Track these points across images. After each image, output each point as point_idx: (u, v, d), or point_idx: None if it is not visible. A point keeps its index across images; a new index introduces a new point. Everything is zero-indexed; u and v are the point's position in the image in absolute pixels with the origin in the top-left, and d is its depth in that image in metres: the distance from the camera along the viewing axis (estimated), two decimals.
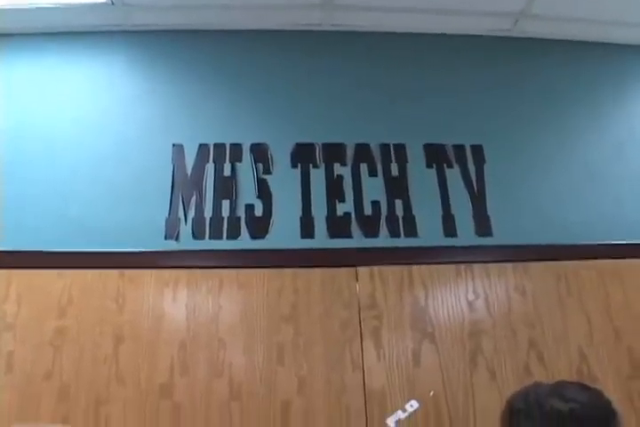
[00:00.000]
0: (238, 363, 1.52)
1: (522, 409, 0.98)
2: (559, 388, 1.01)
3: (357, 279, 1.59)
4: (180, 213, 1.67)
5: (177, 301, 1.57)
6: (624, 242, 1.72)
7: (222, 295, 1.57)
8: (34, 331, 1.53)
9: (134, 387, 1.50)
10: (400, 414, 1.47)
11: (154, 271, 1.61)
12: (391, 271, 1.60)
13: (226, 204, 1.69)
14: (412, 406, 1.47)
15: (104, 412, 1.48)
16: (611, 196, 1.80)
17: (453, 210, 1.72)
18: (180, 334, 1.54)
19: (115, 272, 1.60)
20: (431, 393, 1.49)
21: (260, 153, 1.76)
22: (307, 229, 1.65)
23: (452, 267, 1.62)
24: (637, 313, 1.64)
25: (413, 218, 1.70)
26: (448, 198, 1.73)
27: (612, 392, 1.52)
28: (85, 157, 1.75)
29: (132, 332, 1.55)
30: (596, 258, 1.69)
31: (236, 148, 1.77)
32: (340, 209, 1.70)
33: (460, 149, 1.81)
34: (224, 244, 1.64)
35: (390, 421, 1.46)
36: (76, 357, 1.52)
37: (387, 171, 1.76)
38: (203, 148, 1.77)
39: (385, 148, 1.79)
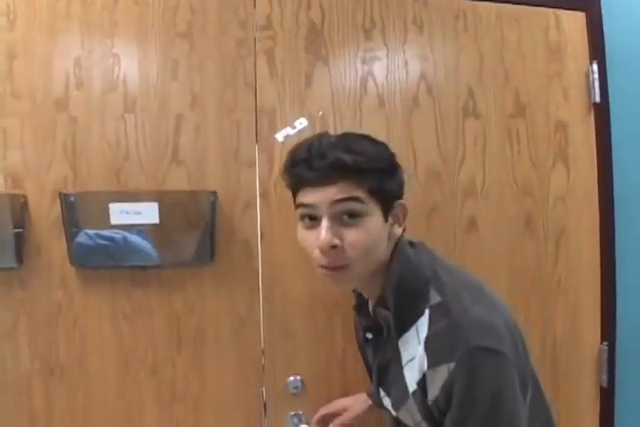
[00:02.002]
0: (133, 78, 1.46)
1: (304, 159, 0.92)
2: (345, 140, 0.95)
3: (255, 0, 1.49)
4: None
5: (71, 16, 1.46)
6: None
7: (117, 12, 1.46)
8: None
9: (30, 102, 1.45)
10: (289, 131, 1.46)
11: None
12: None
13: None
14: (302, 123, 1.46)
15: (1, 126, 1.43)
16: None
17: None
18: (75, 50, 1.46)
19: None
20: (320, 113, 1.48)
21: None
22: None
23: None
24: (529, 58, 1.61)
25: None
26: None
27: (494, 128, 1.54)
28: None
29: (26, 48, 1.44)
30: (496, 1, 1.61)
31: None
32: None
33: None
34: None
35: (279, 136, 1.45)
36: None
37: None
38: None
39: None
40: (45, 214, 1.44)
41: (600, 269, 1.60)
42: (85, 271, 1.45)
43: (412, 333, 0.95)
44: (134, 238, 1.41)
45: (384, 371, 1.04)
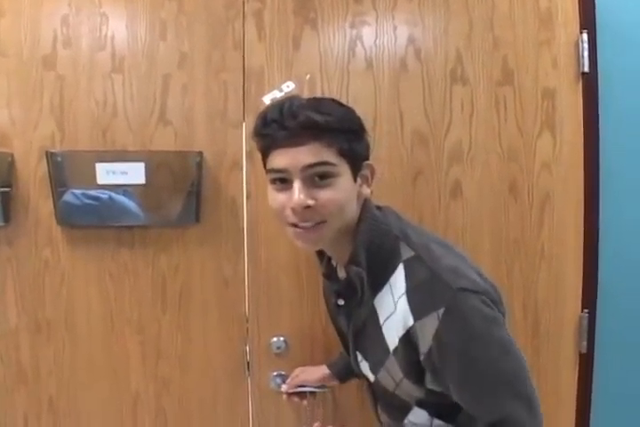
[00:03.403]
0: (120, 37, 1.44)
1: (276, 119, 0.91)
2: (315, 102, 0.95)
3: None
4: None
5: None
6: None
7: None
8: None
9: (17, 59, 1.43)
10: (276, 94, 1.44)
11: None
12: None
13: None
14: (289, 86, 1.45)
15: None
16: None
17: None
18: (63, 9, 1.43)
19: None
20: (307, 76, 1.46)
21: None
22: None
23: None
24: (519, 26, 1.57)
25: None
26: None
27: (482, 94, 1.52)
28: None
29: (13, 6, 1.43)
30: None
31: None
32: None
33: None
34: None
35: (266, 99, 1.43)
36: None
37: None
38: None
39: None
40: (32, 173, 1.43)
41: (583, 237, 1.59)
42: (72, 230, 1.44)
43: (386, 290, 0.95)
44: (120, 198, 1.41)
45: (360, 334, 1.03)
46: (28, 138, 1.42)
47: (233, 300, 1.48)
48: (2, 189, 1.39)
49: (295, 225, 0.92)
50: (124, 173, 1.38)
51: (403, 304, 0.90)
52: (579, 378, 1.59)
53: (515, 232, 1.55)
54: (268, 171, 0.94)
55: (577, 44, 1.56)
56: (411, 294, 0.89)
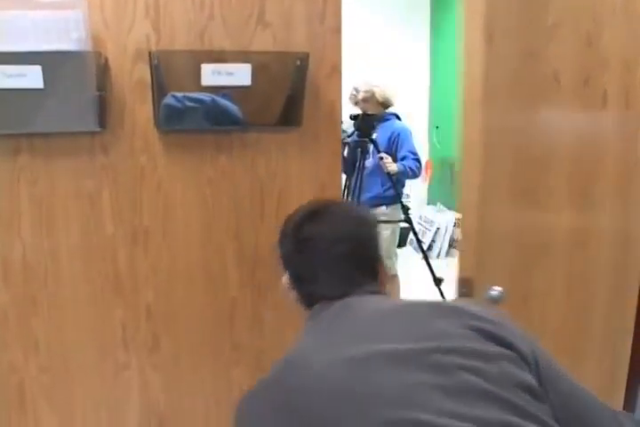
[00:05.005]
0: None
1: None
2: None
3: None
4: None
5: None
6: None
7: None
8: None
9: None
10: None
11: None
12: None
13: None
14: None
15: None
16: None
17: None
18: None
19: None
20: None
21: None
22: None
23: None
24: None
25: None
26: None
27: None
28: None
29: None
30: None
31: None
32: None
33: None
34: None
35: None
36: None
37: None
38: None
39: None
40: (128, 76, 1.38)
41: None
42: (169, 136, 1.41)
43: None
44: (223, 101, 1.37)
45: None
46: (122, 41, 1.36)
47: None
48: (97, 93, 1.33)
49: None
50: (230, 73, 1.34)
51: None
52: None
53: None
54: None
55: None
56: None
